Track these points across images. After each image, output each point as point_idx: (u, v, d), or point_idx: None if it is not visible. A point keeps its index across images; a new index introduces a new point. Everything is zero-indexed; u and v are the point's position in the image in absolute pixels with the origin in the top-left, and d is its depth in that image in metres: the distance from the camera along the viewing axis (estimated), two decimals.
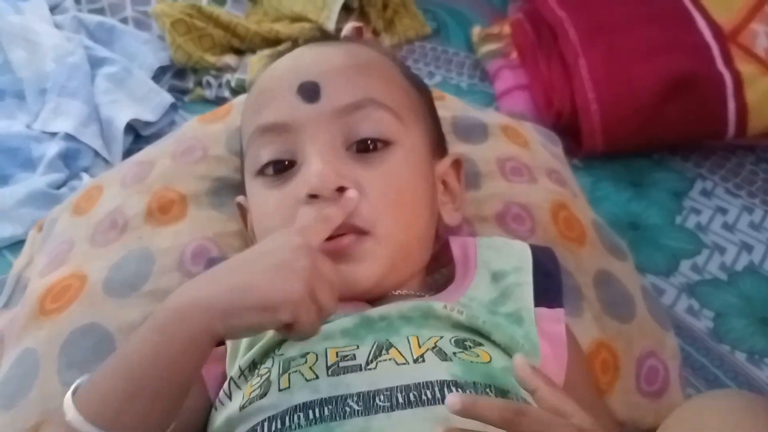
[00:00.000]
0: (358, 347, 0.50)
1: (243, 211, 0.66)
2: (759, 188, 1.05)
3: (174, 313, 0.45)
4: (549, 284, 0.57)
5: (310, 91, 0.57)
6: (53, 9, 1.33)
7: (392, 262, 0.55)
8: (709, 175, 1.07)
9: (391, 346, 0.49)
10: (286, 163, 0.57)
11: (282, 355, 0.51)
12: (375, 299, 0.55)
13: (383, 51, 0.68)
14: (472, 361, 0.48)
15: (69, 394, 0.44)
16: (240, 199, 0.66)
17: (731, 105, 1.04)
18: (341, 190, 0.54)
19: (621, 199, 1.02)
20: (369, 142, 0.57)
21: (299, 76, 0.58)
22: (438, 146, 0.66)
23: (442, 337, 0.50)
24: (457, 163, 0.66)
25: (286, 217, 0.55)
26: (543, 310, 0.55)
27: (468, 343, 0.50)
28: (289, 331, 0.46)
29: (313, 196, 0.54)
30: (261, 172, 0.58)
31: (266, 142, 0.58)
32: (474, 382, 0.46)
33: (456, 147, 0.76)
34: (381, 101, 0.58)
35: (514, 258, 0.58)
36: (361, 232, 0.54)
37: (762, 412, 0.39)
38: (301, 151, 0.56)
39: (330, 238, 0.52)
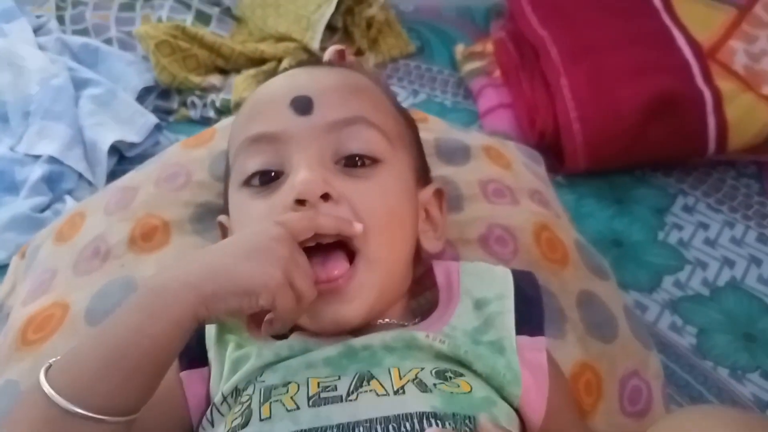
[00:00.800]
0: (339, 378, 0.50)
1: (224, 230, 0.66)
2: (740, 203, 1.06)
3: (160, 292, 0.47)
4: (530, 312, 0.57)
5: (302, 104, 0.57)
6: (37, 30, 1.33)
7: (380, 291, 0.55)
8: (690, 191, 1.08)
9: (372, 377, 0.49)
10: (273, 174, 0.57)
11: (263, 382, 0.51)
12: (359, 328, 0.55)
13: (375, 79, 0.68)
14: (452, 392, 0.49)
15: (42, 371, 0.45)
16: (221, 218, 0.66)
17: (711, 122, 1.06)
18: (326, 197, 0.54)
19: (604, 216, 1.03)
20: (357, 158, 0.57)
21: (293, 91, 0.58)
22: (422, 175, 0.67)
23: (423, 369, 0.50)
24: (439, 193, 0.67)
25: None
26: (524, 338, 0.55)
27: (449, 374, 0.50)
28: (270, 324, 0.50)
29: (299, 203, 0.53)
30: (247, 182, 0.58)
31: (255, 152, 0.58)
32: (453, 414, 0.47)
33: (439, 169, 0.77)
34: (371, 120, 0.58)
35: (496, 285, 0.59)
36: (350, 250, 0.54)
37: (743, 427, 0.40)
38: (289, 162, 0.56)
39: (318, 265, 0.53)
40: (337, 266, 0.53)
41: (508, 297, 0.57)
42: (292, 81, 0.62)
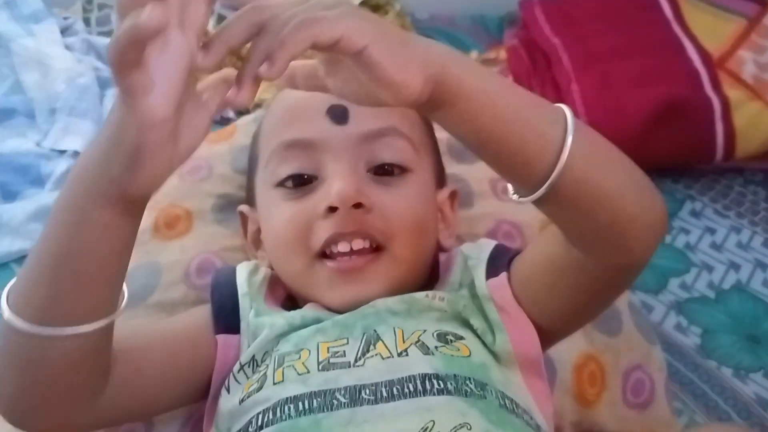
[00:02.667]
0: (347, 341, 0.53)
1: (244, 220, 0.69)
2: (747, 209, 1.08)
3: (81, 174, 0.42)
4: (500, 257, 0.59)
5: (339, 114, 0.60)
6: (64, 31, 1.37)
7: (400, 282, 0.58)
8: (698, 197, 1.10)
9: (378, 339, 0.52)
10: (306, 177, 0.60)
11: (278, 350, 0.54)
12: None
13: None
14: (452, 355, 0.51)
15: (3, 295, 0.44)
16: (243, 208, 0.69)
17: (719, 129, 1.08)
18: (358, 205, 0.57)
19: None
20: (388, 167, 0.60)
21: (329, 99, 0.59)
22: (440, 177, 0.70)
23: (425, 331, 0.53)
24: (453, 195, 0.70)
25: (302, 230, 0.58)
26: (492, 281, 0.57)
27: (449, 338, 0.53)
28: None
29: (332, 209, 0.56)
30: (281, 184, 0.61)
31: (290, 157, 0.60)
32: (454, 375, 0.49)
33: (450, 167, 0.79)
34: (402, 131, 0.61)
35: (482, 248, 0.62)
36: (378, 248, 0.58)
37: None
38: (324, 169, 0.59)
39: (345, 253, 0.56)
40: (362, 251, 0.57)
41: (485, 251, 0.60)
42: None
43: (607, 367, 0.69)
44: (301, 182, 0.60)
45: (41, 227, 1.03)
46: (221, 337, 0.57)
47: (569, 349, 0.66)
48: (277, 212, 0.61)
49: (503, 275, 0.57)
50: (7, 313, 0.43)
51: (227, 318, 0.58)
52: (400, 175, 0.61)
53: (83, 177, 0.41)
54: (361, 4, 1.33)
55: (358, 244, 0.57)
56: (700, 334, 0.90)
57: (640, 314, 0.78)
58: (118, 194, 0.41)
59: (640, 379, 0.71)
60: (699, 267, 0.99)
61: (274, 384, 0.51)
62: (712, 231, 1.04)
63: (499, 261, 0.58)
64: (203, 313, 0.59)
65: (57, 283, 0.43)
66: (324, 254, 0.58)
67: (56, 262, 0.43)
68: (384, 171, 0.60)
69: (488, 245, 0.61)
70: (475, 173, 0.81)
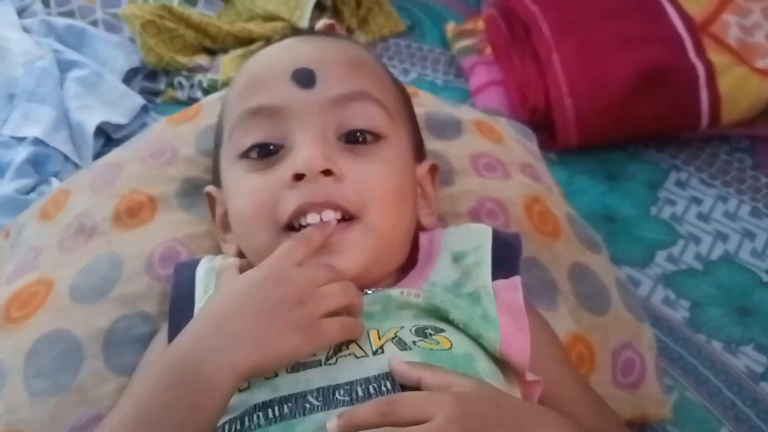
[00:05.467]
0: None
1: (212, 201, 0.65)
2: (733, 178, 1.06)
3: (194, 381, 0.44)
4: (506, 254, 0.57)
5: (305, 77, 0.56)
6: (21, 12, 1.31)
7: (376, 255, 0.54)
8: (683, 166, 1.08)
9: (351, 341, 0.49)
10: (272, 147, 0.56)
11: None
12: None
13: (370, 52, 0.68)
14: (432, 349, 0.48)
15: None
16: (210, 188, 0.65)
17: (704, 95, 1.05)
18: (327, 173, 0.53)
19: (596, 192, 1.03)
20: (359, 134, 0.56)
21: (294, 63, 0.57)
22: (418, 150, 0.66)
23: (402, 327, 0.50)
24: (433, 168, 0.66)
25: (268, 202, 0.54)
26: (500, 282, 0.55)
27: (429, 331, 0.50)
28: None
29: (298, 177, 0.53)
30: (245, 155, 0.57)
31: (254, 126, 0.56)
32: None
33: (429, 144, 0.76)
34: (374, 95, 0.58)
35: (474, 237, 0.58)
36: (349, 217, 0.54)
37: None
38: (291, 136, 0.55)
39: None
40: (328, 228, 0.53)
41: (485, 246, 0.57)
42: (292, 52, 0.60)
43: (596, 347, 0.67)
44: (267, 153, 0.56)
45: (1, 219, 0.99)
46: None
47: (556, 330, 0.63)
48: (241, 185, 0.57)
49: (516, 279, 0.55)
50: None
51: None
52: (373, 143, 0.57)
53: (212, 364, 0.44)
54: None
55: (329, 215, 0.53)
56: (689, 308, 0.87)
57: (629, 291, 0.76)
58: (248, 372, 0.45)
59: (629, 359, 0.68)
60: (686, 238, 0.96)
61: (240, 391, 0.47)
62: (698, 201, 1.02)
63: (506, 260, 0.56)
64: (163, 343, 0.55)
65: None
66: (292, 228, 0.54)
67: None
68: (355, 138, 0.56)
69: (482, 235, 0.58)
70: (455, 149, 0.78)
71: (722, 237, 0.96)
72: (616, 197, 1.02)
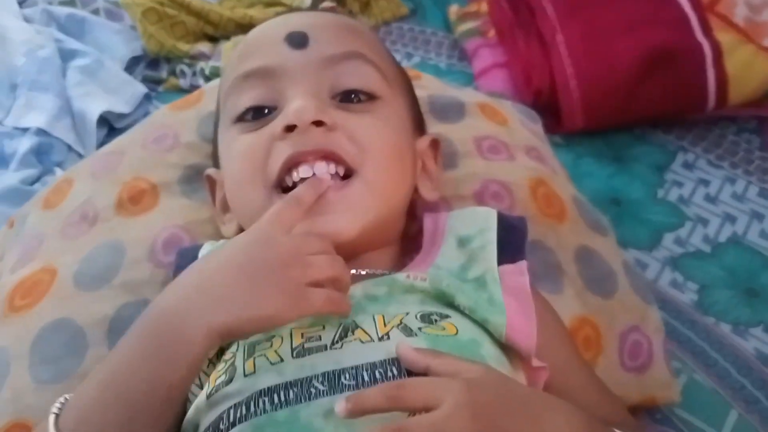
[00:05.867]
0: (324, 327, 0.49)
1: (212, 184, 0.65)
2: (741, 159, 1.04)
3: (172, 334, 0.43)
4: (512, 238, 0.56)
5: (298, 39, 0.56)
6: (22, 2, 1.31)
7: (376, 217, 0.53)
8: (690, 148, 1.06)
9: (357, 326, 0.48)
10: (266, 110, 0.55)
11: (247, 338, 0.50)
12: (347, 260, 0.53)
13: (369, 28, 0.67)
14: (437, 335, 0.48)
15: (51, 421, 0.43)
16: (210, 171, 0.65)
17: (711, 75, 1.03)
18: (319, 123, 0.52)
19: (603, 174, 1.01)
20: (353, 94, 0.55)
21: (287, 28, 0.57)
22: (418, 125, 0.65)
23: (407, 314, 0.49)
24: (434, 144, 0.65)
25: (260, 158, 0.53)
26: (506, 266, 0.54)
27: (434, 317, 0.49)
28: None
29: (289, 129, 0.52)
30: (239, 119, 0.56)
31: (248, 88, 0.56)
32: None
33: (433, 127, 0.75)
34: (368, 56, 0.57)
35: (479, 221, 0.58)
36: (346, 172, 0.53)
37: None
38: (284, 96, 0.54)
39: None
40: (320, 184, 0.51)
41: (490, 229, 0.56)
42: (286, 19, 0.61)
43: (603, 329, 0.66)
44: (262, 115, 0.55)
45: (6, 210, 0.99)
46: None
47: (562, 314, 0.62)
48: (234, 146, 0.56)
49: (522, 264, 0.54)
50: None
51: None
52: (368, 102, 0.56)
53: (189, 319, 0.43)
54: None
55: (321, 168, 0.52)
56: (697, 290, 0.87)
57: (636, 273, 0.75)
58: (224, 330, 0.44)
59: (637, 341, 0.68)
60: (693, 221, 0.95)
61: (245, 376, 0.46)
62: (705, 183, 1.01)
63: (512, 244, 0.55)
64: None
65: (133, 413, 0.42)
66: (285, 190, 0.52)
67: (135, 408, 0.43)
68: (349, 98, 0.55)
69: (487, 218, 0.57)
70: (459, 132, 0.77)
71: (730, 219, 0.95)
72: (623, 180, 1.01)
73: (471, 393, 0.40)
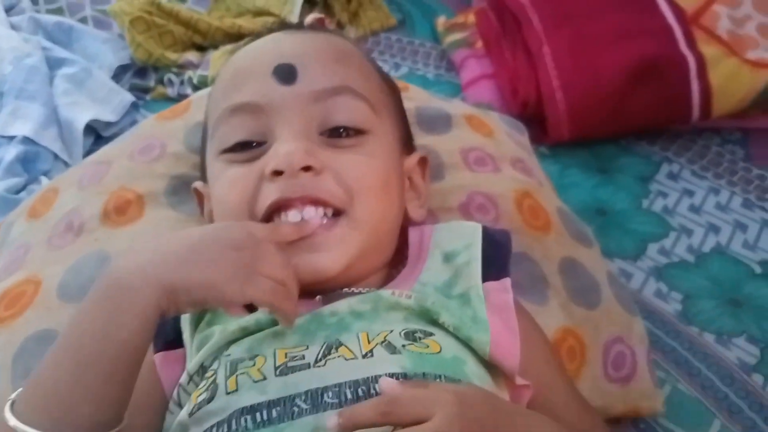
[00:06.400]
0: (307, 347, 0.49)
1: (200, 197, 0.65)
2: (725, 169, 1.06)
3: (120, 288, 0.44)
4: (497, 254, 0.56)
5: (286, 73, 0.56)
6: (9, 10, 1.30)
7: (361, 251, 0.54)
8: (675, 159, 1.08)
9: (340, 344, 0.48)
10: (255, 144, 0.55)
11: (229, 356, 0.50)
12: (330, 291, 0.53)
13: (357, 45, 0.67)
14: (421, 353, 0.48)
15: (7, 407, 0.43)
16: (197, 184, 0.65)
17: (695, 87, 1.05)
18: (307, 169, 0.52)
19: (588, 185, 1.02)
20: (342, 130, 0.56)
21: (276, 58, 0.57)
22: (407, 143, 0.65)
23: (391, 331, 0.49)
24: (423, 161, 0.66)
25: (248, 193, 0.54)
26: (491, 283, 0.55)
27: (418, 335, 0.49)
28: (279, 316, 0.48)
29: (276, 173, 0.52)
30: (228, 151, 0.56)
31: (237, 123, 0.56)
32: (424, 373, 0.46)
33: (419, 138, 0.75)
34: (357, 90, 0.57)
35: (465, 236, 0.58)
36: (335, 212, 0.53)
37: None
38: (272, 133, 0.55)
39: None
40: (307, 227, 0.52)
41: (475, 245, 0.56)
42: (275, 47, 0.60)
43: (587, 341, 0.66)
44: (250, 147, 0.56)
45: None
46: (159, 356, 0.53)
47: (546, 324, 0.63)
48: (223, 178, 0.56)
49: (506, 281, 0.54)
50: (20, 426, 0.41)
51: (166, 333, 0.54)
52: (357, 137, 0.56)
53: (137, 272, 0.45)
54: None
55: (310, 212, 0.52)
56: (681, 300, 0.87)
57: (620, 285, 0.76)
58: (170, 286, 0.44)
59: (621, 352, 0.68)
60: (678, 231, 0.96)
61: (228, 393, 0.46)
62: (690, 193, 1.02)
63: (496, 260, 0.55)
64: None
65: (83, 388, 0.43)
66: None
67: (86, 364, 0.43)
68: (338, 134, 0.55)
69: (473, 233, 0.58)
70: (446, 144, 0.78)
71: (714, 229, 0.96)
72: (608, 190, 1.02)
73: (461, 406, 0.40)
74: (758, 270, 0.91)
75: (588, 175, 1.04)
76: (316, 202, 0.53)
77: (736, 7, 1.12)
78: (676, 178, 1.04)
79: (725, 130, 1.11)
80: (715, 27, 1.09)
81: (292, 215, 0.53)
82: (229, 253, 0.47)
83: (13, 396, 0.44)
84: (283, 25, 0.67)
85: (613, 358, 0.68)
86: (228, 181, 0.55)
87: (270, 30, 0.65)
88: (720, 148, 1.09)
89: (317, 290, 0.53)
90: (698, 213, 0.99)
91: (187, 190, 0.71)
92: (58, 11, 1.33)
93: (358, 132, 0.56)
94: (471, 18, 1.27)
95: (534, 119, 1.06)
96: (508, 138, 0.85)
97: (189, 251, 0.47)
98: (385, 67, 1.26)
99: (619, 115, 1.06)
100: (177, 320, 0.55)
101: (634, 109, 1.06)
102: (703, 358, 0.81)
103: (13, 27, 1.25)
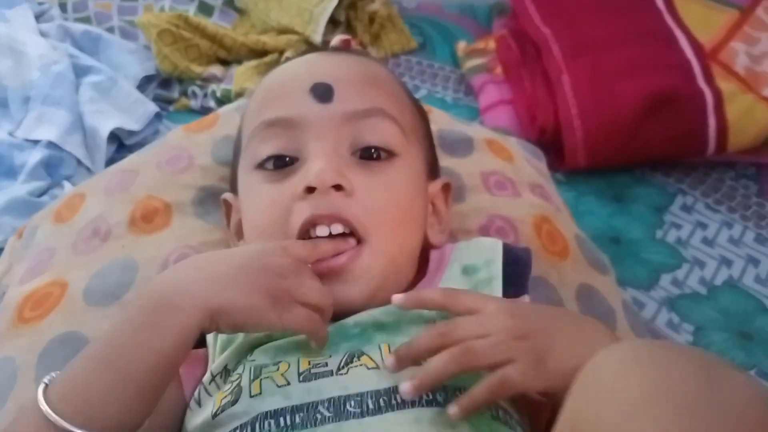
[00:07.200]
0: (330, 356, 0.50)
1: (228, 208, 0.66)
2: (738, 204, 1.07)
3: (165, 304, 0.46)
4: (516, 272, 0.58)
5: (323, 92, 0.57)
6: (39, 17, 1.33)
7: (384, 278, 0.55)
8: (689, 191, 1.09)
9: (362, 354, 0.50)
10: (287, 159, 0.57)
11: (254, 361, 0.51)
12: (352, 314, 0.55)
13: (389, 70, 0.69)
14: None
15: (40, 391, 0.44)
16: (227, 195, 0.66)
17: (712, 122, 1.06)
18: (338, 188, 0.54)
19: (603, 213, 1.03)
20: (373, 150, 0.57)
21: (313, 78, 0.58)
22: (432, 168, 0.67)
23: None
24: (446, 187, 0.67)
25: (281, 213, 0.55)
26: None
27: None
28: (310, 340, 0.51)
29: (309, 190, 0.54)
30: (261, 165, 0.58)
31: (270, 136, 0.57)
32: (444, 386, 0.47)
33: (442, 160, 0.76)
34: (390, 113, 0.58)
35: (485, 252, 0.59)
36: (357, 239, 0.55)
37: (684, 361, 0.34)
38: (305, 149, 0.56)
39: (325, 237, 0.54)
40: (343, 244, 0.54)
41: (496, 261, 0.58)
42: (312, 67, 0.62)
43: None
44: (283, 164, 0.57)
45: (13, 221, 1.00)
46: None
47: None
48: (256, 195, 0.58)
49: (524, 298, 0.56)
50: (52, 415, 0.42)
51: None
52: (386, 160, 0.57)
53: (183, 291, 0.47)
54: None
55: (338, 228, 0.54)
56: (693, 332, 0.88)
57: (635, 314, 0.76)
58: (215, 309, 0.46)
59: None
60: (691, 263, 0.97)
61: (251, 397, 0.48)
62: (703, 226, 1.03)
63: (516, 278, 0.57)
64: None
65: (115, 394, 0.44)
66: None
67: (122, 372, 0.44)
68: (369, 154, 0.57)
69: (493, 249, 0.59)
70: (467, 167, 0.79)
71: (726, 262, 0.97)
72: (623, 219, 1.03)
73: (512, 302, 0.48)
74: None
75: (603, 204, 1.05)
76: (343, 221, 0.54)
77: (754, 45, 1.14)
78: (689, 210, 1.05)
79: (739, 164, 1.13)
80: (733, 63, 1.11)
81: (320, 230, 0.54)
82: (272, 280, 0.48)
83: (46, 379, 0.45)
84: (315, 48, 0.69)
85: None
86: (261, 203, 0.57)
87: (303, 52, 0.67)
88: (734, 183, 1.10)
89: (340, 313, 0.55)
90: (711, 246, 1.00)
91: (213, 201, 0.72)
92: (86, 20, 1.35)
93: (389, 154, 0.57)
94: (491, 44, 1.29)
95: (551, 146, 1.07)
96: (527, 163, 0.86)
97: (235, 274, 0.48)
98: None
99: (636, 145, 1.07)
100: None
101: (651, 140, 1.07)
102: None
103: (42, 34, 1.27)
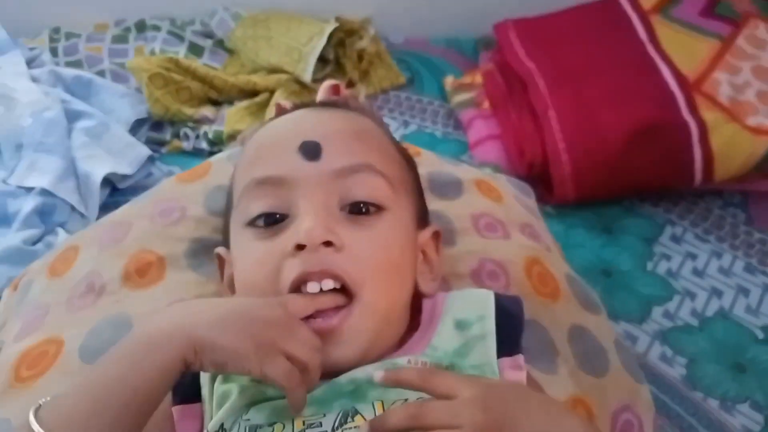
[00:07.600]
0: (324, 415, 0.50)
1: (221, 262, 0.67)
2: (727, 233, 1.08)
3: (150, 335, 0.49)
4: (510, 328, 0.58)
5: (311, 150, 0.58)
6: (30, 62, 1.34)
7: (377, 335, 0.56)
8: (678, 221, 1.10)
9: (357, 413, 0.50)
10: (278, 216, 0.58)
11: (249, 420, 0.51)
12: (345, 372, 0.55)
13: (378, 121, 0.70)
14: None
15: (31, 412, 0.47)
16: (220, 249, 0.67)
17: (697, 152, 1.08)
18: (328, 244, 0.55)
19: (593, 245, 1.05)
20: (362, 205, 0.58)
21: (301, 135, 0.59)
22: (422, 217, 0.68)
23: (406, 399, 0.51)
24: (436, 235, 0.68)
25: (271, 270, 0.56)
26: (505, 360, 0.56)
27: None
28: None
29: (299, 248, 0.54)
30: (252, 223, 0.59)
31: (260, 195, 0.58)
32: None
33: (432, 203, 0.77)
34: (377, 168, 0.60)
35: (477, 306, 0.60)
36: (348, 294, 0.55)
37: None
38: (295, 206, 0.57)
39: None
40: (334, 300, 0.54)
41: (489, 317, 0.58)
42: (300, 124, 0.63)
43: (596, 409, 0.67)
44: (273, 221, 0.58)
45: (8, 270, 0.99)
46: (176, 409, 0.55)
47: (556, 394, 0.64)
48: (247, 252, 0.59)
49: (519, 358, 0.56)
50: (36, 428, 0.46)
51: (185, 386, 0.55)
52: (375, 214, 0.58)
53: (170, 324, 0.49)
54: (336, 29, 1.32)
55: (328, 284, 0.55)
56: (686, 364, 0.89)
57: (627, 351, 0.77)
58: (198, 342, 0.48)
59: (628, 421, 0.69)
60: (681, 294, 0.98)
61: None
62: (693, 256, 1.04)
63: (510, 335, 0.57)
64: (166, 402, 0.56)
65: (96, 421, 0.46)
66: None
67: (102, 402, 0.47)
68: (358, 209, 0.58)
69: (486, 303, 0.59)
70: (457, 209, 0.80)
71: (717, 293, 0.98)
72: (613, 251, 1.04)
73: (487, 390, 0.45)
74: (761, 335, 0.92)
75: (593, 236, 1.06)
76: (333, 276, 0.55)
77: (736, 74, 1.16)
78: (679, 241, 1.06)
79: (727, 192, 1.14)
80: (716, 93, 1.13)
81: (311, 287, 0.55)
82: (259, 327, 0.50)
83: (41, 401, 0.48)
84: (305, 104, 0.70)
85: (621, 426, 0.69)
86: (252, 260, 0.57)
87: (294, 107, 0.68)
88: (722, 211, 1.12)
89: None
90: (701, 277, 1.01)
91: (206, 253, 0.72)
92: (77, 63, 1.37)
93: (378, 208, 0.59)
94: (478, 78, 1.31)
95: (539, 179, 1.08)
96: (516, 202, 0.87)
97: (225, 315, 0.51)
98: (394, 125, 1.29)
99: (623, 176, 1.09)
100: (196, 375, 0.57)
101: (638, 171, 1.09)
102: (708, 424, 0.82)
103: (34, 79, 1.28)
